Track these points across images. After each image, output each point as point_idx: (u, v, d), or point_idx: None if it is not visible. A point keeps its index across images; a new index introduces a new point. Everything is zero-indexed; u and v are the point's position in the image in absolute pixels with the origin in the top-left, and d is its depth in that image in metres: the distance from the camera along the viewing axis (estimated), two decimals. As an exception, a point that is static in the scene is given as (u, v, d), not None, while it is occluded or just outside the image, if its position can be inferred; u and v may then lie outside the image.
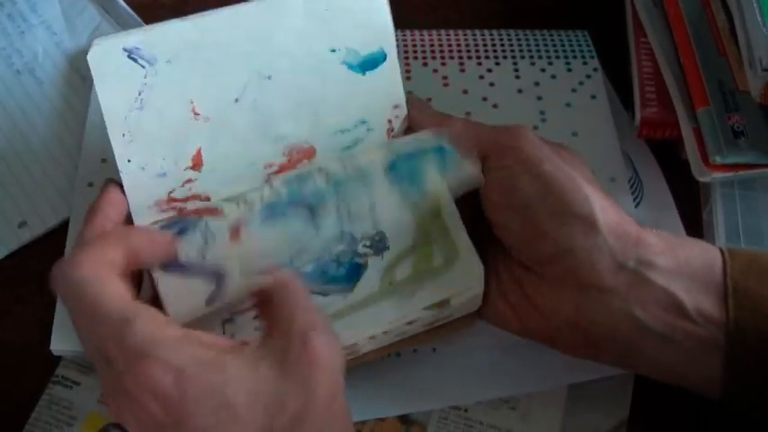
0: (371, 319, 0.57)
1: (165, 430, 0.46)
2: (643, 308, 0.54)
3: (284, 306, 0.50)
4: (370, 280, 0.58)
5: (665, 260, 0.54)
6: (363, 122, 0.61)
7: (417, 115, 0.62)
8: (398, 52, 0.68)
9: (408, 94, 0.62)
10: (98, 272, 0.50)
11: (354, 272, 0.57)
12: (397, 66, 0.61)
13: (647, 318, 0.54)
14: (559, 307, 0.56)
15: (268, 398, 0.46)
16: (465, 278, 0.58)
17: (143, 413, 0.46)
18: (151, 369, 0.45)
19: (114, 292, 0.49)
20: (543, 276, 0.57)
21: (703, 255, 0.56)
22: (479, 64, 0.78)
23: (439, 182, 0.59)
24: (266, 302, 0.51)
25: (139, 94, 0.55)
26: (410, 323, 0.58)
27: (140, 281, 0.56)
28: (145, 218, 0.57)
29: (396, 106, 0.61)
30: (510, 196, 0.57)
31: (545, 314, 0.57)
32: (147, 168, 0.57)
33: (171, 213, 0.58)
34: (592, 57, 0.78)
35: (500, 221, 0.58)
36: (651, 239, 0.55)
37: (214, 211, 0.57)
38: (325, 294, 0.57)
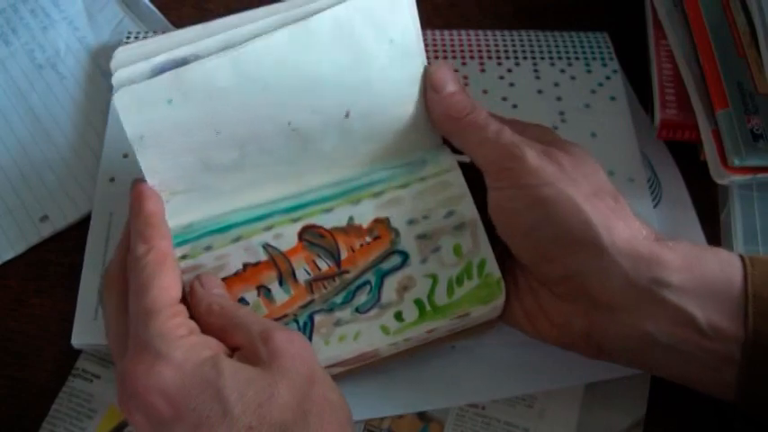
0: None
1: (168, 425, 0.48)
2: (656, 324, 0.53)
3: (237, 328, 0.52)
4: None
5: (680, 277, 0.53)
6: None
7: (432, 96, 0.60)
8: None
9: (427, 66, 0.61)
10: (162, 260, 0.53)
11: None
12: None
13: (659, 333, 0.53)
14: (572, 321, 0.56)
15: (257, 388, 0.48)
16: (487, 293, 0.59)
17: (147, 406, 0.48)
18: (154, 362, 0.48)
19: (162, 282, 0.52)
20: (556, 293, 0.57)
21: (722, 268, 0.54)
22: (499, 64, 0.78)
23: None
24: (221, 331, 0.52)
25: None
26: (430, 332, 0.58)
27: None
28: None
29: None
30: (512, 221, 0.57)
31: (558, 326, 0.57)
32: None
33: None
34: (611, 58, 0.78)
35: (507, 240, 0.58)
36: (667, 256, 0.54)
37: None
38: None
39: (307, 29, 0.56)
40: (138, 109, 0.54)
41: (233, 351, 0.52)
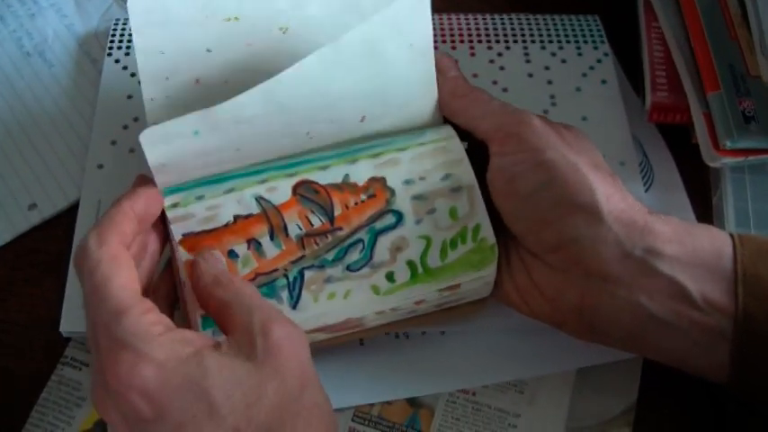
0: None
1: (147, 425, 0.46)
2: (649, 296, 0.54)
3: (241, 307, 0.50)
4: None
5: (673, 248, 0.54)
6: None
7: (437, 78, 0.61)
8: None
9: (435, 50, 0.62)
10: (116, 256, 0.50)
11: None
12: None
13: (652, 306, 0.54)
14: (564, 294, 0.56)
15: (245, 388, 0.47)
16: (480, 258, 0.58)
17: (126, 406, 0.46)
18: (133, 362, 0.46)
19: (122, 280, 0.49)
20: (549, 263, 0.56)
21: (713, 242, 0.55)
22: (490, 48, 0.77)
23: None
24: (223, 307, 0.51)
25: None
26: (419, 302, 0.58)
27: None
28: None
29: None
30: (513, 184, 0.56)
31: (550, 300, 0.57)
32: None
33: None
34: (602, 41, 0.78)
35: (505, 209, 0.57)
36: (659, 227, 0.54)
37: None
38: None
39: (336, 50, 0.55)
40: (163, 143, 0.54)
41: (226, 333, 0.50)
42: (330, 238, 0.57)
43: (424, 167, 0.59)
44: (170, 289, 0.58)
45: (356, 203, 0.58)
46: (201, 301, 0.52)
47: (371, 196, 0.58)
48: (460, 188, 0.59)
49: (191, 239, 0.55)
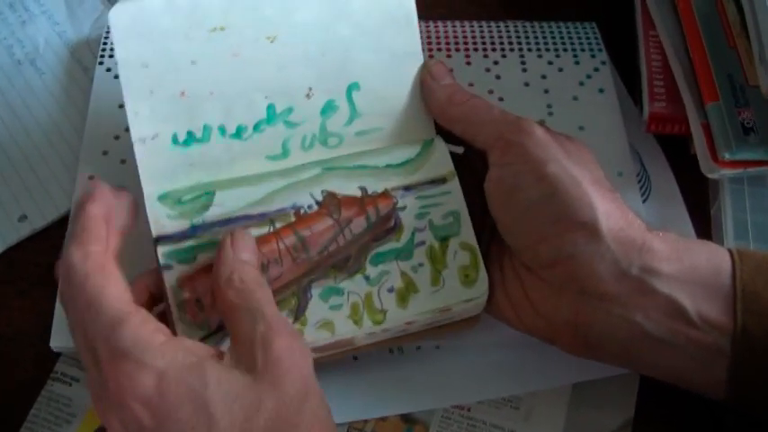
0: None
1: None
2: (645, 315, 0.53)
3: (247, 314, 0.49)
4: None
5: (670, 267, 0.53)
6: None
7: (432, 84, 0.60)
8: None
9: (429, 57, 0.61)
10: (103, 266, 0.50)
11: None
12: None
13: (649, 324, 0.53)
14: (559, 310, 0.55)
15: (243, 401, 0.46)
16: (469, 291, 0.58)
17: (127, 415, 0.46)
18: (134, 371, 0.46)
19: (113, 291, 0.49)
20: (544, 279, 0.56)
21: (711, 259, 0.54)
22: (486, 56, 0.77)
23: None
24: (231, 311, 0.50)
25: None
26: (409, 323, 0.58)
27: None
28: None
29: None
30: (512, 196, 0.56)
31: (544, 316, 0.57)
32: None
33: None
34: (600, 50, 0.77)
35: (502, 220, 0.57)
36: (657, 245, 0.54)
37: None
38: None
39: None
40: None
41: (231, 339, 0.50)
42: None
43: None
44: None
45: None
46: (216, 299, 0.52)
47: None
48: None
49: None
